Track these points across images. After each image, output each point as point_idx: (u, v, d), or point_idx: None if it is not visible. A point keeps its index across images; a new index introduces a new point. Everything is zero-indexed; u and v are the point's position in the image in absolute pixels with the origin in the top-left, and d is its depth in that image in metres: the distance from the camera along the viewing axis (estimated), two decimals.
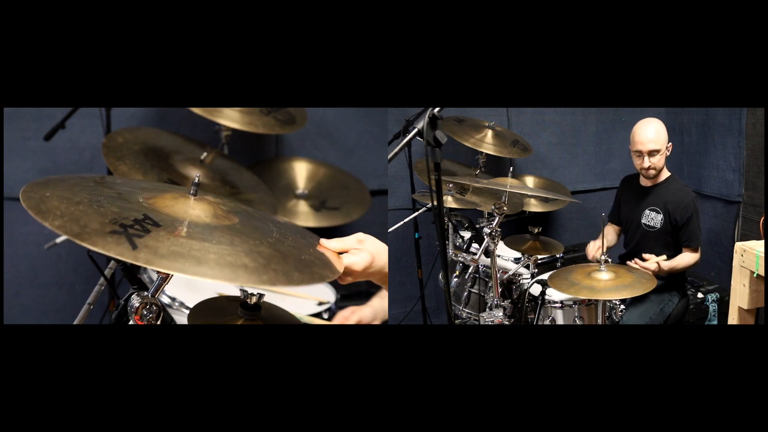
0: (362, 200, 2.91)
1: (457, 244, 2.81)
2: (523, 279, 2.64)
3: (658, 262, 2.46)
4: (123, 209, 1.22)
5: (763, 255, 2.05)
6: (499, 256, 2.74)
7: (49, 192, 1.24)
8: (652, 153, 2.54)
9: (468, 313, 2.71)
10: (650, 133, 2.53)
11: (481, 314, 2.48)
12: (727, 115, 3.18)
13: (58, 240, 2.20)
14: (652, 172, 2.59)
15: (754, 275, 2.09)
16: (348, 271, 1.38)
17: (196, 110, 2.35)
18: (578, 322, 2.46)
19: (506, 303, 2.48)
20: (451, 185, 2.66)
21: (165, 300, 2.09)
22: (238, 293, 1.52)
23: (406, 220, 2.70)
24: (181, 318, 2.02)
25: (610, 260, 2.28)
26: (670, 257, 2.57)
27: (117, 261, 1.52)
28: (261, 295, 1.51)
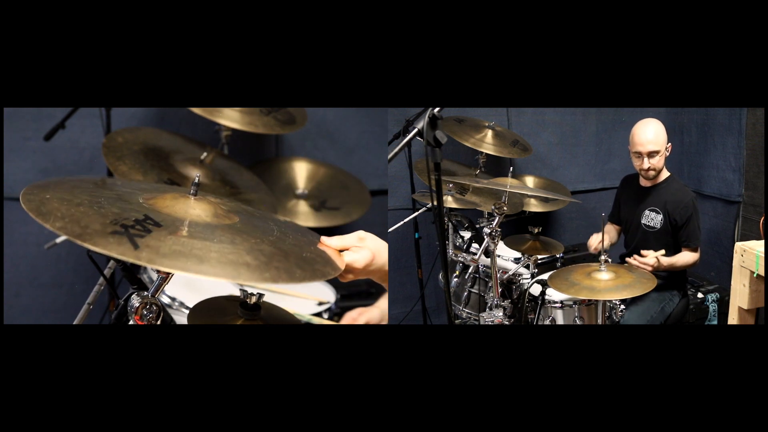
0: (362, 200, 2.91)
1: (457, 244, 2.81)
2: (523, 279, 2.64)
3: (657, 257, 2.46)
4: (123, 210, 1.22)
5: (763, 255, 2.05)
6: (499, 256, 2.74)
7: (49, 194, 1.24)
8: (651, 154, 2.54)
9: (468, 313, 2.71)
10: (649, 135, 2.53)
11: (481, 314, 2.48)
12: (727, 115, 3.18)
13: (58, 240, 2.20)
14: (651, 173, 2.59)
15: (754, 275, 2.09)
16: (349, 269, 1.38)
17: (196, 110, 2.34)
18: (578, 322, 2.45)
19: (506, 303, 2.48)
20: (451, 185, 2.66)
21: (165, 300, 2.09)
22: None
23: (406, 220, 2.70)
24: (181, 318, 2.02)
25: (610, 260, 2.28)
26: (669, 256, 2.58)
27: (117, 261, 1.53)
28: (261, 295, 1.51)
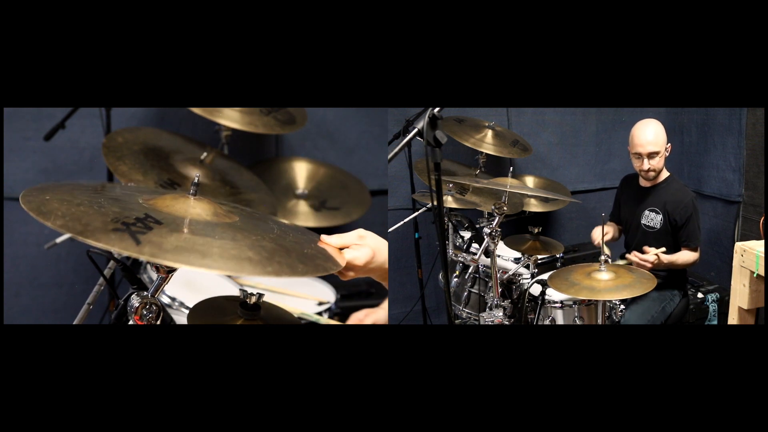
0: (362, 200, 2.92)
1: (457, 244, 2.81)
2: (523, 279, 2.64)
3: (657, 254, 2.46)
4: (124, 209, 1.23)
5: (763, 255, 2.05)
6: (499, 256, 2.74)
7: (49, 195, 1.24)
8: (651, 155, 2.54)
9: (468, 313, 2.71)
10: (649, 136, 2.52)
11: (481, 314, 2.48)
12: (727, 115, 3.18)
13: (58, 240, 2.19)
14: (651, 173, 2.59)
15: (754, 275, 2.09)
16: (350, 266, 1.38)
17: (196, 110, 2.35)
18: (578, 322, 2.45)
19: (506, 303, 2.48)
20: (451, 185, 2.66)
21: (165, 300, 2.09)
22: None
23: (406, 220, 2.70)
24: (181, 318, 2.02)
25: (610, 260, 2.28)
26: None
27: (117, 261, 1.53)
28: (261, 295, 1.51)
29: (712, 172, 3.31)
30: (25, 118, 2.67)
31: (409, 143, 1.54)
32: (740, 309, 2.18)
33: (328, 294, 2.48)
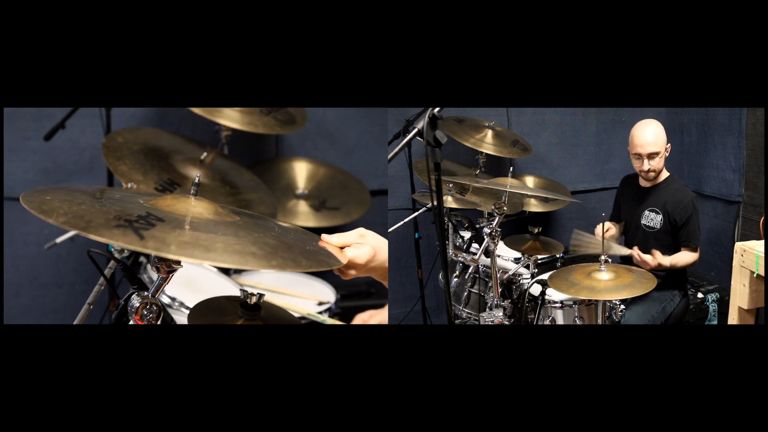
0: (362, 200, 2.92)
1: (457, 244, 2.81)
2: (523, 279, 2.64)
3: (659, 262, 2.46)
4: (125, 208, 1.23)
5: (763, 255, 2.05)
6: (499, 256, 2.74)
7: (49, 196, 1.24)
8: (651, 156, 2.54)
9: (468, 313, 2.71)
10: (649, 136, 2.52)
11: (481, 314, 2.48)
12: (727, 115, 3.17)
13: (58, 240, 2.20)
14: (651, 174, 2.59)
15: (754, 275, 2.09)
16: (351, 265, 1.38)
17: (196, 110, 2.35)
18: (578, 322, 2.45)
19: (506, 303, 2.48)
20: (451, 185, 2.66)
21: (165, 300, 2.09)
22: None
23: (406, 220, 2.70)
24: (181, 318, 2.02)
25: (610, 260, 2.28)
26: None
27: (117, 261, 1.53)
28: (261, 295, 1.51)
29: (712, 172, 3.31)
30: (25, 118, 2.68)
31: (409, 143, 1.54)
32: (740, 309, 2.18)
33: (328, 294, 2.49)
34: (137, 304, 1.31)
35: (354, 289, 2.79)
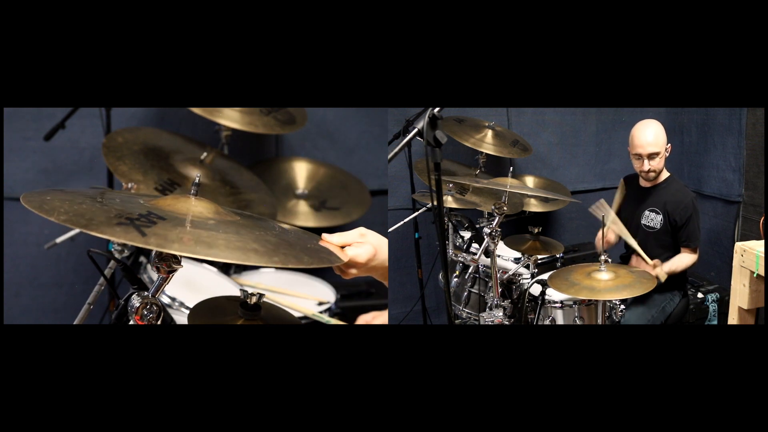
0: (362, 200, 2.92)
1: (457, 244, 2.81)
2: (523, 279, 2.64)
3: (658, 275, 2.46)
4: (126, 208, 1.23)
5: (763, 255, 2.05)
6: (499, 256, 2.74)
7: (50, 196, 1.24)
8: (651, 156, 2.54)
9: (468, 313, 2.71)
10: (649, 137, 2.52)
11: (481, 314, 2.48)
12: (727, 115, 3.18)
13: (59, 240, 2.20)
14: (652, 174, 2.59)
15: (754, 275, 2.10)
16: (352, 264, 1.39)
17: (196, 110, 2.35)
18: (578, 322, 2.45)
19: (506, 303, 2.48)
20: (451, 185, 2.66)
21: (165, 300, 2.09)
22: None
23: (406, 220, 2.70)
24: (181, 318, 2.02)
25: (610, 260, 2.28)
26: (671, 257, 2.58)
27: (117, 261, 1.53)
28: (261, 295, 1.51)
29: (712, 172, 3.31)
30: (25, 118, 2.68)
31: (409, 143, 1.54)
32: (740, 309, 2.18)
33: (328, 294, 2.49)
34: (137, 304, 1.31)
35: (354, 289, 2.79)
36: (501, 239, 2.45)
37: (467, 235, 2.79)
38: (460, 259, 2.65)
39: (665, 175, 2.65)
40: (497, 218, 2.34)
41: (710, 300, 3.08)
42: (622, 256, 2.81)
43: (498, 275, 2.45)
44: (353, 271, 1.41)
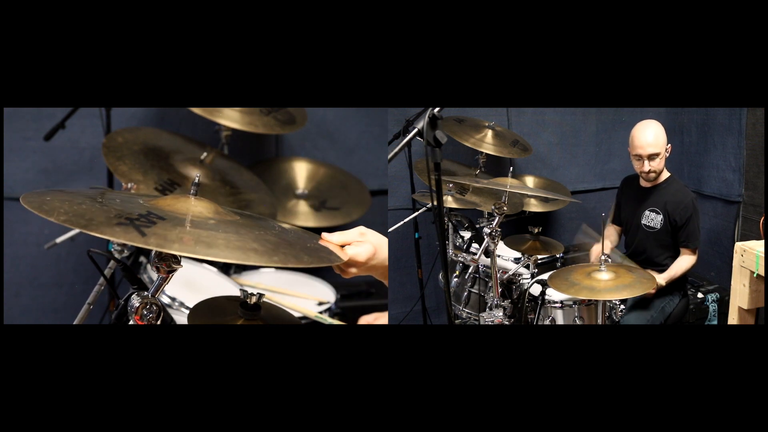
0: (362, 200, 2.92)
1: (457, 244, 2.81)
2: (523, 279, 2.64)
3: (658, 284, 2.46)
4: (126, 208, 1.23)
5: (763, 255, 2.05)
6: (499, 256, 2.74)
7: (50, 197, 1.24)
8: (651, 157, 2.53)
9: (468, 313, 2.71)
10: (649, 137, 2.52)
11: (481, 314, 2.48)
12: (727, 115, 3.18)
13: (58, 240, 2.20)
14: (652, 175, 2.59)
15: (754, 275, 2.10)
16: (352, 263, 1.38)
17: (196, 110, 2.35)
18: (578, 322, 2.46)
19: (506, 303, 2.48)
20: (451, 185, 2.66)
21: (165, 300, 2.09)
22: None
23: (406, 220, 2.70)
24: (181, 318, 2.02)
25: (610, 260, 2.28)
26: (671, 257, 2.58)
27: (117, 261, 1.53)
28: (261, 295, 1.51)
29: (712, 172, 3.31)
30: (25, 118, 2.68)
31: (409, 143, 1.54)
32: (740, 309, 2.18)
33: (328, 294, 2.49)
34: (137, 304, 1.31)
35: (354, 289, 2.79)
36: (501, 239, 2.45)
37: (467, 235, 2.79)
38: (460, 259, 2.65)
39: (665, 175, 2.65)
40: (497, 218, 2.34)
41: (710, 300, 3.08)
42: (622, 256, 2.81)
43: (498, 275, 2.45)
44: (353, 270, 1.41)
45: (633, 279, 2.23)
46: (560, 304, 2.46)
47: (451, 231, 2.80)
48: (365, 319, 2.26)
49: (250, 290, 1.51)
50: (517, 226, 3.06)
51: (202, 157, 2.42)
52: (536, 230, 2.71)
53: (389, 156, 1.55)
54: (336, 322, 2.20)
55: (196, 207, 1.31)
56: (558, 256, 2.89)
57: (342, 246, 1.40)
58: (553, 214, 3.56)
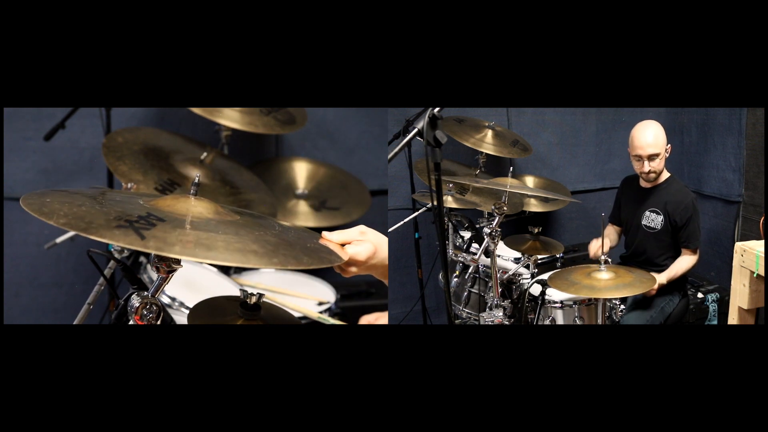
0: (362, 200, 2.92)
1: (457, 244, 2.81)
2: (523, 279, 2.64)
3: (659, 282, 2.45)
4: (126, 209, 1.23)
5: (763, 255, 2.05)
6: (499, 256, 2.74)
7: (49, 198, 1.24)
8: (651, 157, 2.53)
9: (468, 313, 2.71)
10: (649, 138, 2.52)
11: (481, 314, 2.48)
12: (727, 115, 3.18)
13: (58, 240, 2.20)
14: (652, 175, 2.59)
15: (754, 275, 2.09)
16: (352, 262, 1.38)
17: (196, 110, 2.35)
18: (578, 322, 2.46)
19: (506, 303, 2.48)
20: (451, 185, 2.66)
21: (165, 300, 2.09)
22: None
23: (406, 220, 2.70)
24: (181, 318, 2.02)
25: (610, 260, 2.28)
26: (671, 258, 2.58)
27: (117, 261, 1.53)
28: (261, 295, 1.51)
29: (712, 172, 3.31)
30: (25, 118, 2.68)
31: (409, 143, 1.54)
32: (740, 309, 2.18)
33: (328, 294, 2.48)
34: (137, 304, 1.31)
35: (354, 289, 2.79)
36: (501, 239, 2.45)
37: (467, 235, 2.79)
38: (460, 259, 2.65)
39: (665, 175, 2.65)
40: (497, 218, 2.34)
41: (710, 300, 3.08)
42: (622, 256, 2.81)
43: (498, 275, 2.45)
44: (353, 269, 1.41)
45: (633, 278, 2.23)
46: (560, 304, 2.46)
47: (451, 231, 2.80)
48: (366, 319, 2.26)
49: (250, 290, 1.51)
50: (517, 226, 3.06)
51: (202, 157, 2.42)
52: (536, 230, 2.71)
53: (389, 156, 1.55)
54: (338, 322, 2.20)
55: (195, 207, 1.31)
56: (558, 256, 2.89)
57: (342, 245, 1.40)
58: (553, 214, 3.56)
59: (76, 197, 1.27)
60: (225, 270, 2.45)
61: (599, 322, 2.44)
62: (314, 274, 2.61)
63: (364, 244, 1.40)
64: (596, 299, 2.42)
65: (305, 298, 2.41)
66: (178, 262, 1.30)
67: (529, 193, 2.95)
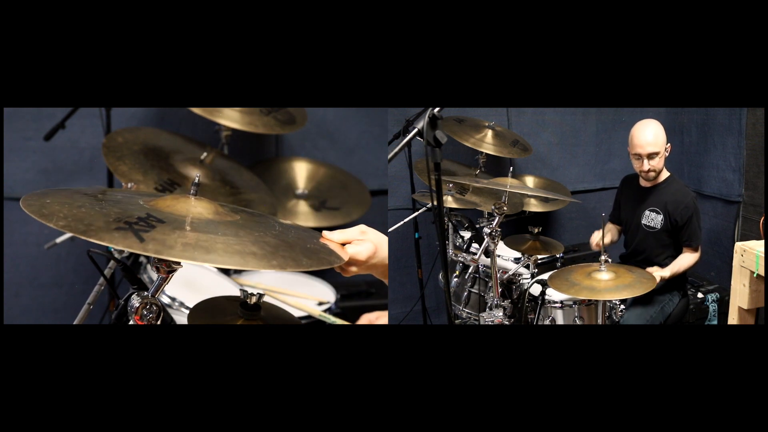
0: (362, 200, 2.92)
1: (457, 244, 2.81)
2: (523, 279, 2.64)
3: (660, 276, 2.46)
4: (125, 210, 1.23)
5: (763, 255, 2.05)
6: (499, 256, 2.74)
7: (49, 199, 1.24)
8: (651, 156, 2.53)
9: (468, 313, 2.71)
10: (649, 136, 2.52)
11: (481, 314, 2.48)
12: (727, 115, 3.17)
13: (58, 240, 2.20)
14: (652, 174, 2.59)
15: (754, 275, 2.09)
16: (353, 261, 1.38)
17: (196, 110, 2.35)
18: (578, 322, 2.45)
19: (506, 303, 2.48)
20: (451, 185, 2.66)
21: (165, 300, 2.09)
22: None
23: (406, 220, 2.70)
24: (181, 318, 2.02)
25: (610, 260, 2.28)
26: (671, 257, 2.58)
27: (117, 261, 1.53)
28: (261, 295, 1.51)
29: (712, 172, 3.31)
30: (25, 118, 2.68)
31: (409, 143, 1.54)
32: (740, 309, 2.18)
33: (328, 294, 2.48)
34: (137, 304, 1.31)
35: (354, 289, 2.79)
36: (501, 239, 2.45)
37: (467, 235, 2.79)
38: (460, 259, 2.65)
39: (665, 174, 2.65)
40: (497, 218, 2.34)
41: (710, 300, 3.08)
42: (622, 255, 2.81)
43: (498, 275, 2.45)
44: (353, 268, 1.41)
45: (633, 279, 2.23)
46: (560, 304, 2.46)
47: (451, 231, 2.80)
48: (367, 317, 2.26)
49: (250, 290, 1.51)
50: (517, 226, 3.06)
51: (202, 157, 2.42)
52: (536, 230, 2.71)
53: (389, 156, 1.55)
54: (340, 321, 2.20)
55: (195, 208, 1.31)
56: (558, 256, 2.89)
57: (342, 244, 1.40)
58: (553, 214, 3.56)
59: (76, 197, 1.27)
60: (225, 270, 2.45)
61: (599, 322, 2.44)
62: (314, 274, 2.61)
63: (364, 244, 1.40)
64: (596, 299, 2.42)
65: (305, 298, 2.41)
66: (178, 262, 1.30)
67: (529, 193, 2.95)
